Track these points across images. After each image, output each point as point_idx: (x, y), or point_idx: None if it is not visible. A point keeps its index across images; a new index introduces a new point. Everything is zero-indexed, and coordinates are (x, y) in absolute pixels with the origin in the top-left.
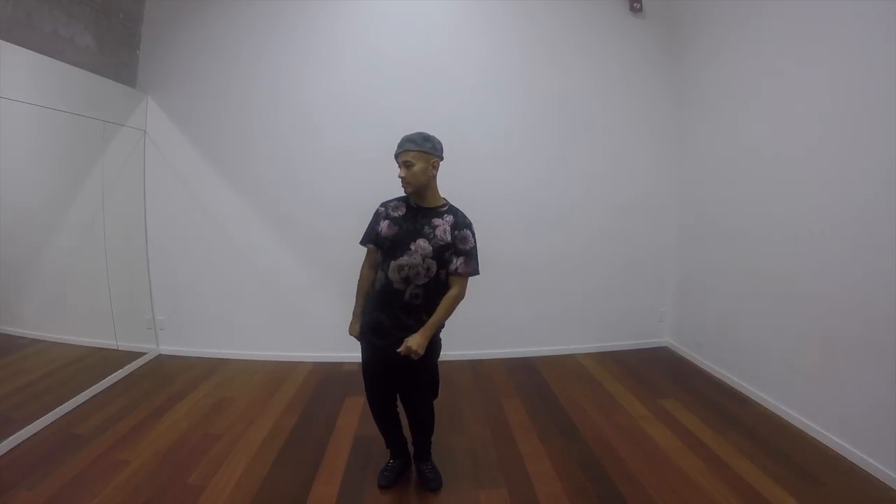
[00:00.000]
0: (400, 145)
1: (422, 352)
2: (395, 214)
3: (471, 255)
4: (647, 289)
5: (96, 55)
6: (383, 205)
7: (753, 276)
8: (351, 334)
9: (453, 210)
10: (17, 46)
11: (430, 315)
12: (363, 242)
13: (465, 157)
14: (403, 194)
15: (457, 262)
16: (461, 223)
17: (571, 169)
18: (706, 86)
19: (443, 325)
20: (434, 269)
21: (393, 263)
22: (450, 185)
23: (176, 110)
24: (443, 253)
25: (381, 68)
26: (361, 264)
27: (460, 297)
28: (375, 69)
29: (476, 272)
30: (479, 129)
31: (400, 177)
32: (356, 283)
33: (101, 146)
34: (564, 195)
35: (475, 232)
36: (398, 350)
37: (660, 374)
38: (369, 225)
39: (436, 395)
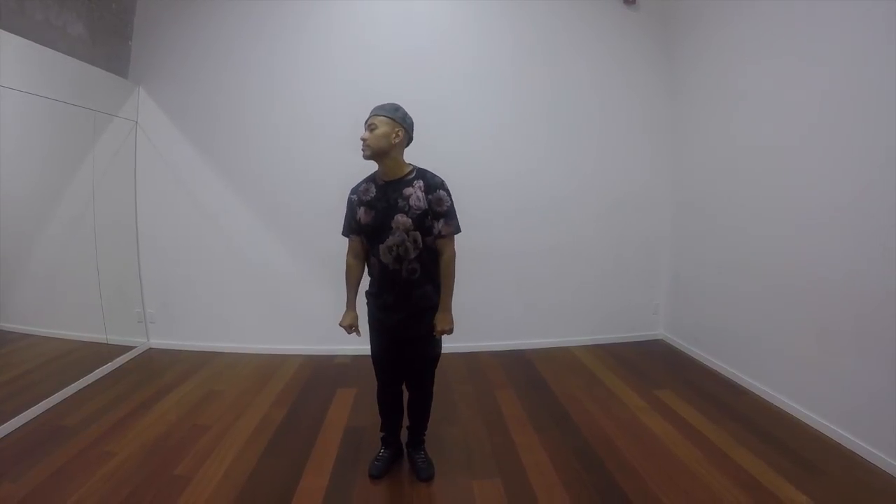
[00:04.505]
0: (371, 112)
1: (451, 326)
2: (367, 198)
3: (450, 215)
4: (642, 281)
5: (88, 45)
6: (353, 191)
7: (748, 268)
8: (341, 325)
9: (422, 173)
10: (7, 33)
11: (432, 283)
12: (345, 233)
13: (458, 149)
14: (368, 175)
15: (438, 226)
16: (433, 185)
17: (565, 161)
18: (700, 78)
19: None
20: (420, 239)
21: (381, 247)
22: (443, 176)
23: (168, 101)
24: (423, 220)
25: (375, 60)
26: (346, 255)
27: (453, 257)
28: (368, 60)
29: (458, 230)
30: (472, 122)
31: (362, 139)
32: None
33: (92, 136)
34: (558, 187)
35: (449, 189)
36: (435, 334)
37: (655, 365)
38: (346, 215)
39: (436, 363)
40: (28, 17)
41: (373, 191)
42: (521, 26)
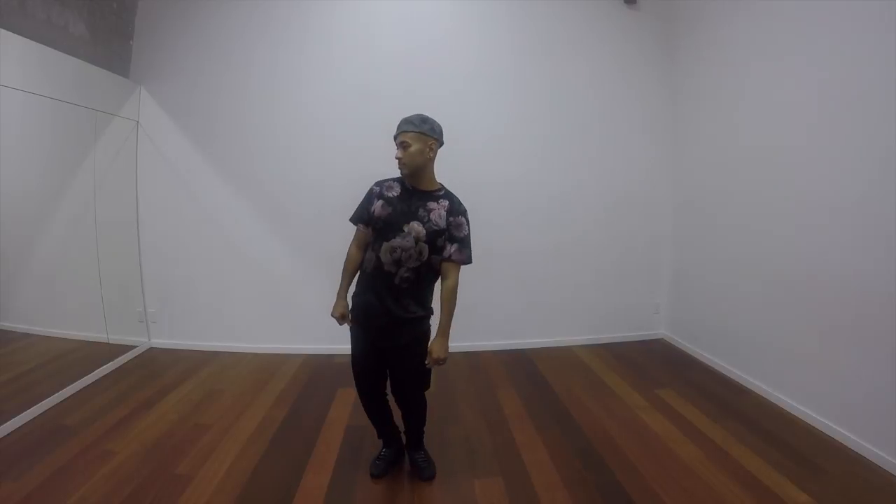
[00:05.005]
0: (398, 126)
1: (446, 355)
2: (390, 195)
3: (464, 243)
4: (643, 280)
5: (89, 44)
6: (378, 184)
7: (749, 267)
8: (333, 315)
9: (449, 195)
10: (9, 33)
11: (417, 302)
12: (354, 221)
13: (459, 148)
14: (399, 175)
15: (450, 249)
16: (457, 209)
17: (566, 160)
18: (701, 78)
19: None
20: (426, 253)
21: (385, 245)
22: (445, 175)
23: (169, 101)
24: (436, 238)
25: (376, 60)
26: (350, 243)
27: (457, 285)
28: (370, 61)
29: (469, 261)
30: (473, 121)
31: (396, 157)
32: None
33: (93, 136)
34: (559, 186)
35: (469, 220)
36: (427, 362)
37: (656, 365)
38: (361, 203)
39: (427, 387)
40: (29, 16)
41: (397, 189)
42: (522, 26)
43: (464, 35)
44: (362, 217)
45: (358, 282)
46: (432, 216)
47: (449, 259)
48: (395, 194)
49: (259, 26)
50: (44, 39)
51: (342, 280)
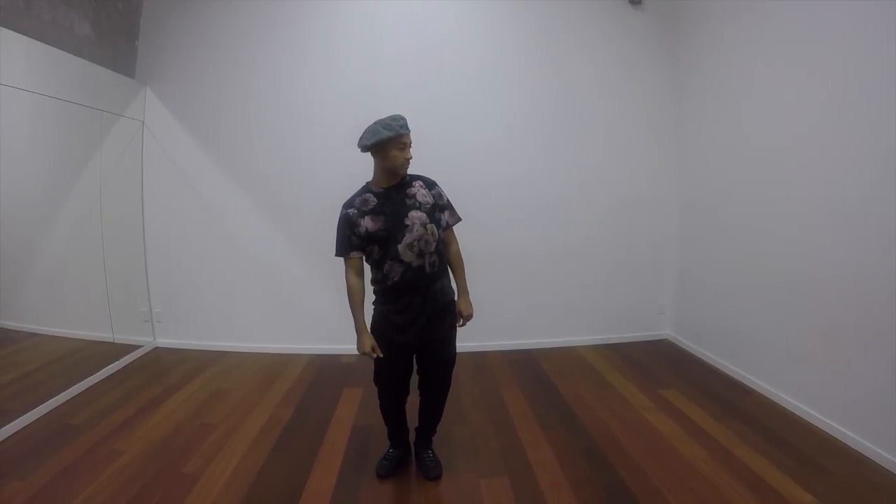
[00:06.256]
0: (404, 127)
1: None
2: (368, 208)
3: (451, 207)
4: (648, 281)
5: (95, 45)
6: (349, 206)
7: (753, 267)
8: (363, 352)
9: (416, 176)
10: (14, 33)
11: (446, 275)
12: (343, 254)
13: (464, 148)
14: (359, 189)
15: (445, 217)
16: (430, 183)
17: (571, 161)
18: (706, 78)
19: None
20: (436, 231)
21: (400, 247)
22: (449, 176)
23: (175, 101)
24: (434, 213)
25: (381, 60)
26: (345, 276)
27: (459, 246)
28: (375, 61)
29: (460, 218)
30: (478, 122)
31: (408, 158)
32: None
33: (99, 136)
34: (564, 187)
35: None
36: (461, 322)
37: (661, 365)
38: (342, 234)
39: (454, 361)
40: (35, 17)
41: (373, 199)
42: (526, 27)
43: (468, 35)
44: (353, 245)
45: (383, 297)
46: (419, 198)
47: (447, 226)
48: (375, 203)
49: (264, 26)
50: (49, 40)
51: (356, 314)
